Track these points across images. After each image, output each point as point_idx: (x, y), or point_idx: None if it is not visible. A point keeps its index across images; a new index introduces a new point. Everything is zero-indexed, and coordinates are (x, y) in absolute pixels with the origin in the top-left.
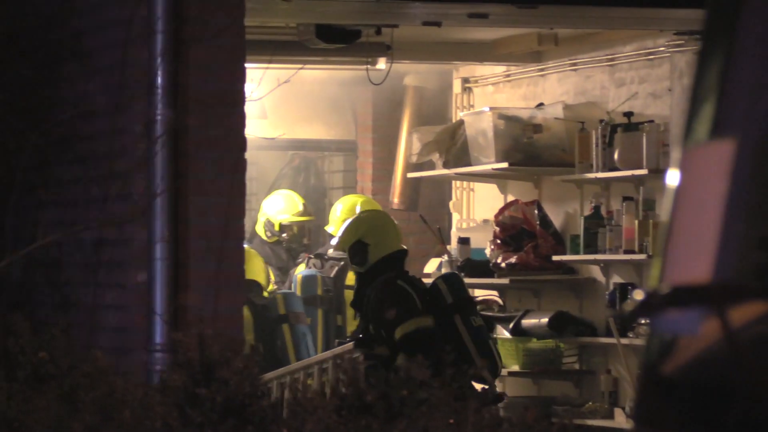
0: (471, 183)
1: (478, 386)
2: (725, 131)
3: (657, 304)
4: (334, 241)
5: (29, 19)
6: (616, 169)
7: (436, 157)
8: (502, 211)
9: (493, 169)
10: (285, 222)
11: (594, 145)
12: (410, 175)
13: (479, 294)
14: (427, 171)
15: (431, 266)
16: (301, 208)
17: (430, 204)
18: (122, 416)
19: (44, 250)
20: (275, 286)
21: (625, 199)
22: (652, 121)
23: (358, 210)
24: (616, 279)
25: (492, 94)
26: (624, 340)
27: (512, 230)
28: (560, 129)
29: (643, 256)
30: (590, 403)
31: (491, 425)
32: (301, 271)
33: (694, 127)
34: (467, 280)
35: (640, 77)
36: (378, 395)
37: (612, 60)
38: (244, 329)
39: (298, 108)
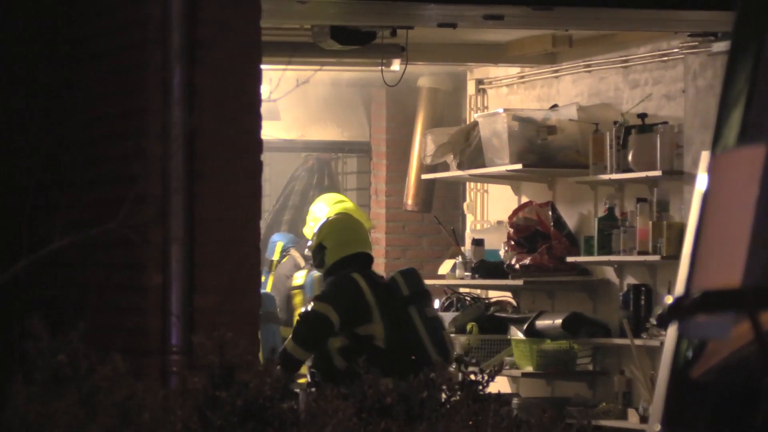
0: (485, 184)
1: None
2: (755, 137)
3: (687, 308)
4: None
5: (44, 21)
6: (630, 170)
7: (450, 159)
8: (516, 212)
9: (507, 170)
10: None
11: (608, 147)
12: (424, 176)
13: (493, 295)
14: (441, 172)
15: (445, 267)
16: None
17: (444, 205)
18: (141, 419)
19: (60, 252)
20: None
21: (639, 200)
22: (666, 123)
23: (317, 211)
24: (630, 280)
25: (506, 95)
26: (638, 341)
27: (526, 231)
28: (574, 130)
29: (657, 258)
30: (604, 403)
31: (510, 427)
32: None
33: (724, 132)
34: (481, 282)
35: (654, 79)
36: (398, 397)
37: (626, 61)
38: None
39: (312, 109)
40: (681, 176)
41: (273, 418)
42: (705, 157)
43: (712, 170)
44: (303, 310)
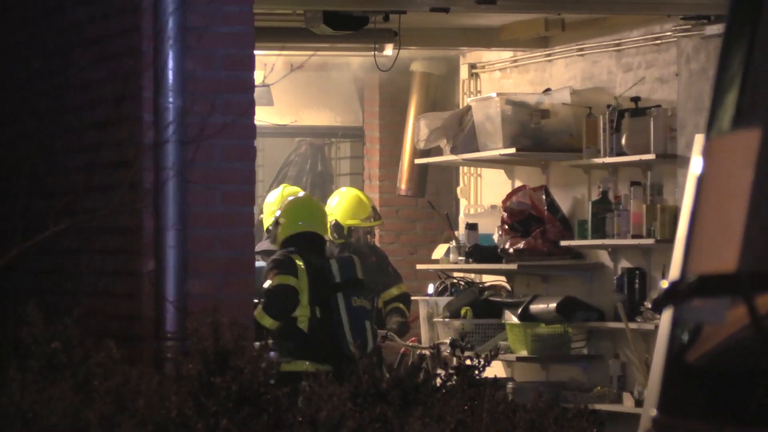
0: (478, 169)
1: None
2: (750, 121)
3: (683, 293)
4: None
5: (37, 7)
6: (623, 153)
7: (443, 143)
8: (509, 196)
9: (500, 154)
10: (354, 226)
11: (601, 130)
12: (418, 161)
13: (487, 279)
14: (434, 157)
15: (439, 252)
16: (370, 212)
17: (437, 190)
18: (136, 406)
19: (54, 239)
20: None
21: (633, 183)
22: (659, 106)
23: (269, 198)
24: (624, 264)
25: (499, 79)
26: (632, 325)
27: (520, 216)
28: (567, 114)
29: (651, 241)
30: (598, 387)
31: (505, 412)
32: None
33: (718, 116)
34: (475, 266)
35: (647, 62)
36: (393, 383)
37: (619, 45)
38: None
39: (305, 95)
40: (674, 159)
41: (268, 403)
42: (698, 140)
43: (706, 154)
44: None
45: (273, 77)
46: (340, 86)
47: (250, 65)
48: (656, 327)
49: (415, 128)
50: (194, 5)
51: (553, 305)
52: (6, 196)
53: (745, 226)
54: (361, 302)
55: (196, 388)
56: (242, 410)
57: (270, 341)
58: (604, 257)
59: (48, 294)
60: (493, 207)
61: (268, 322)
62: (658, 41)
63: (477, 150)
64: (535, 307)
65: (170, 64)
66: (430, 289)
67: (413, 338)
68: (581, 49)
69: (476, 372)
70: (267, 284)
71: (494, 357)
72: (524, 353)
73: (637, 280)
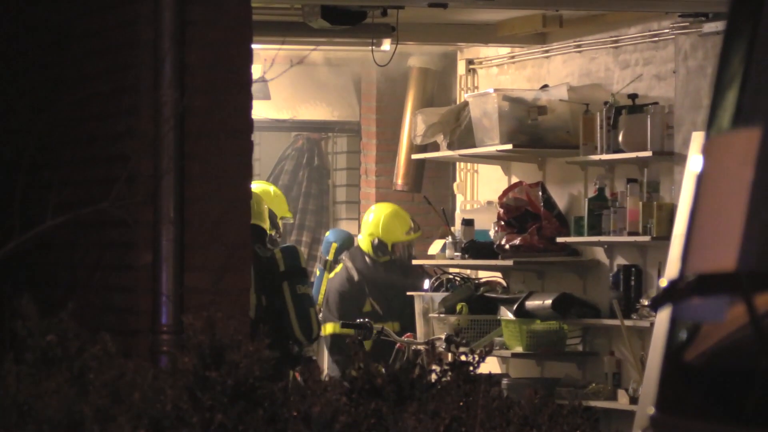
0: (475, 164)
1: None
2: (751, 119)
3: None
4: None
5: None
6: (620, 150)
7: (440, 139)
8: (506, 192)
9: (497, 150)
10: (396, 242)
11: (598, 127)
12: (414, 156)
13: (483, 275)
14: (431, 152)
15: (435, 248)
16: (410, 224)
17: (433, 185)
18: (132, 399)
19: (50, 232)
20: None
21: (630, 181)
22: (656, 103)
23: None
24: (620, 261)
25: (496, 75)
26: (628, 322)
27: (516, 212)
28: (564, 111)
29: (647, 238)
30: (593, 384)
31: (500, 408)
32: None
33: (718, 114)
34: (471, 262)
35: (644, 59)
36: (388, 378)
37: (616, 42)
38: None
39: (302, 89)
40: (671, 157)
41: (263, 398)
42: (695, 137)
43: (706, 153)
44: None
45: (271, 72)
46: (338, 81)
47: (249, 59)
48: (652, 324)
49: (412, 123)
50: None
51: (548, 302)
52: (3, 189)
53: (745, 225)
54: (305, 290)
55: (192, 382)
56: (237, 405)
57: None
58: (600, 254)
59: (44, 287)
60: (490, 203)
61: None
62: (656, 38)
63: (474, 146)
64: (531, 304)
65: (169, 57)
66: (426, 284)
67: (408, 334)
68: (579, 46)
69: (471, 368)
70: None
71: (489, 353)
72: (519, 349)
73: (632, 277)
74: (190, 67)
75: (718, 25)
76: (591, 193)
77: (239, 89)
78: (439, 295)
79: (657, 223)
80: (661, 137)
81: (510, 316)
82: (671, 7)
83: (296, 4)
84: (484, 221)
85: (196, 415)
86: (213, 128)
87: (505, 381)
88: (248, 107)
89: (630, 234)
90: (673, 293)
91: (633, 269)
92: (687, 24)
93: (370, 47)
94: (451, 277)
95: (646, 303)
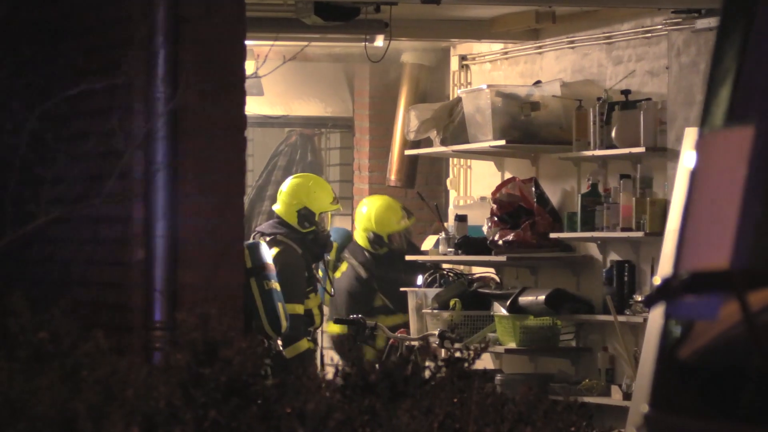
0: (468, 160)
1: None
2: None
3: (675, 289)
4: None
5: None
6: (613, 146)
7: (433, 135)
8: (499, 188)
9: (490, 146)
10: (392, 233)
11: (591, 123)
12: (407, 152)
13: (476, 271)
14: (424, 148)
15: (428, 243)
16: (402, 213)
17: (427, 181)
18: (125, 396)
19: (43, 228)
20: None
21: (623, 176)
22: (649, 99)
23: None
24: (614, 257)
25: (489, 71)
26: (621, 318)
27: (509, 208)
28: (558, 107)
29: (640, 234)
30: (587, 380)
31: (495, 404)
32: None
33: (712, 111)
34: (464, 258)
35: (637, 55)
36: (382, 374)
37: (609, 38)
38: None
39: (295, 85)
40: (664, 153)
41: (256, 394)
42: (688, 133)
43: (700, 150)
44: None
45: (264, 67)
46: (331, 77)
47: (242, 55)
48: (645, 320)
49: (405, 119)
50: None
51: (542, 297)
52: None
53: (738, 222)
54: (272, 285)
55: (185, 379)
56: (231, 401)
57: None
58: (594, 250)
59: (36, 283)
60: (483, 199)
61: None
62: (649, 34)
63: (467, 142)
64: (524, 299)
65: (161, 53)
66: (419, 280)
67: (402, 329)
68: (572, 42)
69: (466, 365)
70: None
71: (484, 350)
72: (513, 345)
73: (626, 273)
74: (183, 63)
75: (710, 21)
76: (584, 189)
77: (232, 86)
78: (432, 291)
79: (650, 218)
80: (654, 133)
81: (503, 311)
82: (664, 3)
83: (289, 0)
84: (478, 217)
85: (189, 412)
86: (206, 124)
87: (498, 377)
88: (241, 103)
89: (623, 230)
90: (667, 291)
91: (626, 265)
92: (680, 20)
93: (364, 43)
94: (444, 272)
95: (639, 299)
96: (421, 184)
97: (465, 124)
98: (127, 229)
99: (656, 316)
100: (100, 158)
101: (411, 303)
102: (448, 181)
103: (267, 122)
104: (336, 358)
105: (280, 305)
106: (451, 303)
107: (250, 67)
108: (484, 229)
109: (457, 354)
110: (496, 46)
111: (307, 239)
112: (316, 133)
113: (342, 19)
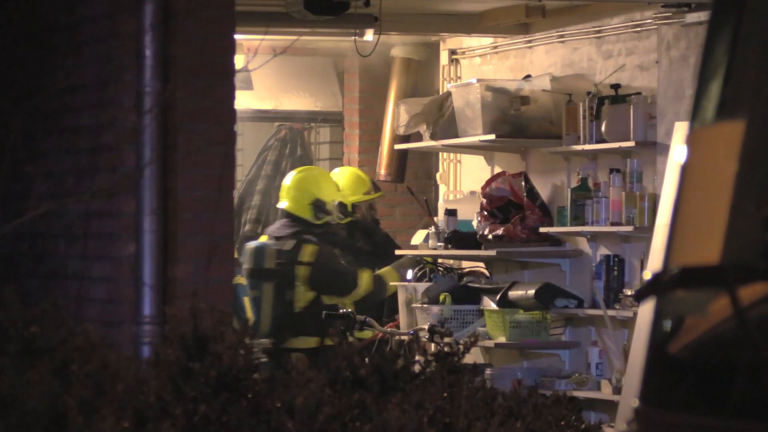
0: (458, 155)
1: None
2: (735, 111)
3: (666, 284)
4: None
5: None
6: (603, 141)
7: (423, 129)
8: (489, 182)
9: (480, 140)
10: (357, 202)
11: (581, 117)
12: (397, 146)
13: (466, 265)
14: (414, 143)
15: (418, 238)
16: (370, 185)
17: (416, 176)
18: (115, 390)
19: (33, 223)
20: None
21: (612, 171)
22: (639, 93)
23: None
24: (603, 251)
25: (479, 65)
26: (611, 312)
27: (499, 202)
28: (547, 101)
29: (630, 228)
30: (576, 374)
31: (484, 398)
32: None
33: (703, 105)
34: (454, 252)
35: (627, 49)
36: (371, 369)
37: (599, 32)
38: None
39: (285, 79)
40: (654, 147)
41: (246, 389)
42: (678, 127)
43: (690, 145)
44: None
45: (254, 62)
46: (320, 71)
47: (231, 49)
48: (635, 314)
49: (395, 114)
50: None
51: (531, 292)
52: None
53: (729, 217)
54: (239, 279)
55: (175, 374)
56: (221, 396)
57: None
58: (583, 244)
59: (27, 278)
60: (473, 193)
61: None
62: (639, 28)
63: (457, 136)
64: (514, 294)
65: (151, 47)
66: (409, 274)
67: (391, 323)
68: (561, 36)
69: (455, 359)
70: None
71: (474, 344)
72: (502, 339)
73: (615, 267)
74: (173, 58)
75: (700, 16)
76: (574, 183)
77: (222, 80)
78: (422, 285)
79: (640, 213)
80: (644, 127)
81: (493, 306)
82: None
83: None
84: (467, 211)
85: (179, 407)
86: (196, 119)
87: (488, 371)
88: (231, 98)
89: (613, 224)
90: (658, 285)
91: (616, 259)
92: (670, 14)
93: (353, 37)
94: (434, 267)
95: (629, 293)
96: (411, 179)
97: (455, 119)
98: (116, 223)
99: (646, 310)
100: (89, 153)
101: (401, 297)
102: (437, 176)
103: (257, 116)
104: None
105: (246, 300)
106: (441, 297)
107: (239, 61)
108: (474, 223)
109: (447, 348)
110: (486, 41)
111: (330, 233)
112: (306, 128)
113: (331, 13)
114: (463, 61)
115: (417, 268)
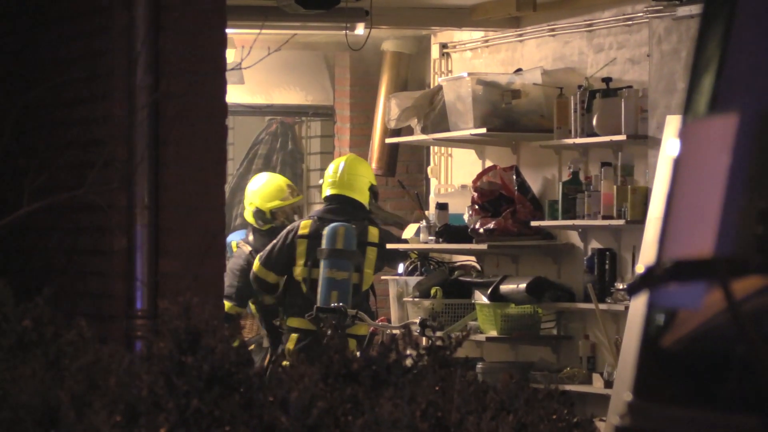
0: (449, 148)
1: None
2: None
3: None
4: None
5: None
6: (594, 134)
7: (414, 123)
8: (480, 176)
9: (471, 134)
10: (275, 208)
11: (572, 111)
12: (388, 140)
13: (457, 259)
14: (405, 136)
15: (409, 232)
16: (287, 190)
17: (408, 169)
18: (108, 384)
19: (26, 218)
20: None
21: (604, 164)
22: (630, 87)
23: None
24: (595, 244)
25: (470, 59)
26: (602, 306)
27: (490, 196)
28: (538, 94)
29: (621, 222)
30: (568, 368)
31: (477, 392)
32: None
33: (695, 99)
34: (445, 246)
35: (618, 43)
36: (364, 363)
37: (590, 25)
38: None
39: (276, 73)
40: (645, 140)
41: (239, 383)
42: (670, 121)
43: (683, 138)
44: None
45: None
46: (311, 65)
47: (222, 44)
48: (626, 308)
49: (386, 107)
50: None
51: (523, 285)
52: None
53: (722, 211)
54: (332, 274)
55: (167, 368)
56: (213, 390)
57: None
58: (575, 238)
59: (19, 272)
60: (464, 187)
61: None
62: (630, 22)
63: (448, 130)
64: (505, 288)
65: (143, 41)
66: (400, 268)
67: (383, 318)
68: (553, 30)
69: (447, 353)
70: None
71: (466, 338)
72: (494, 333)
73: (607, 261)
74: (165, 52)
75: (691, 9)
76: (565, 177)
77: (213, 74)
78: (413, 279)
79: (631, 206)
80: (635, 121)
81: (484, 300)
82: None
83: None
84: (459, 205)
85: (172, 401)
86: (187, 113)
87: (479, 365)
88: (222, 92)
89: (604, 218)
90: (650, 279)
91: (607, 253)
92: (661, 8)
93: (344, 31)
94: (425, 260)
95: (620, 287)
96: (402, 173)
97: (446, 112)
98: (108, 218)
99: (638, 304)
100: (82, 147)
101: (392, 291)
102: (428, 170)
103: (248, 111)
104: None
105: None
106: (432, 291)
107: (230, 56)
108: (465, 217)
109: (439, 342)
110: (477, 34)
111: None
112: (297, 122)
113: (322, 7)
114: (454, 54)
115: (408, 262)
